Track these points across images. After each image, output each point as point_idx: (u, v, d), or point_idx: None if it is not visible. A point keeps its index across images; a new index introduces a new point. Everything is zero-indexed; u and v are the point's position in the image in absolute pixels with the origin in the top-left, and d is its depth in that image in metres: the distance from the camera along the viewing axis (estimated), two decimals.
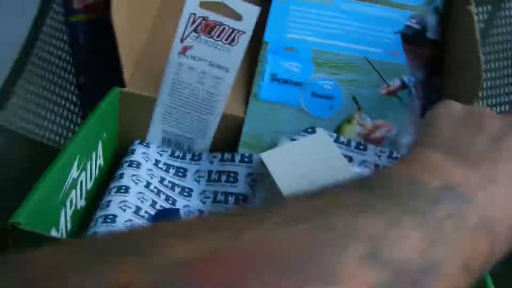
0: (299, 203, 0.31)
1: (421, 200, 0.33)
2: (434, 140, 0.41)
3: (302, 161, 0.66)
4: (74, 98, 0.80)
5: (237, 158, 0.69)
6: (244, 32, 0.68)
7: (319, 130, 0.71)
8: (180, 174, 0.71)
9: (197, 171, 0.71)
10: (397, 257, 0.29)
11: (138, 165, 0.68)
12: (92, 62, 0.80)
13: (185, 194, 0.69)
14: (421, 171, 0.36)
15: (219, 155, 0.71)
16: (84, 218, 0.65)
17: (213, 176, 0.69)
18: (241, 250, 0.26)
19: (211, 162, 0.71)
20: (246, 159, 0.69)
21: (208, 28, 0.68)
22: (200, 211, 0.68)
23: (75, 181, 0.62)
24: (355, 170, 0.68)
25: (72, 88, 0.80)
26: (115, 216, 0.62)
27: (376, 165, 0.70)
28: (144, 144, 0.72)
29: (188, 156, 0.72)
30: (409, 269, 0.29)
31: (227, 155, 0.70)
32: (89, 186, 0.66)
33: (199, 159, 0.72)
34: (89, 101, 0.79)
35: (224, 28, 0.68)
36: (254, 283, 0.24)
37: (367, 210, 0.31)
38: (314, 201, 0.31)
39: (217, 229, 0.28)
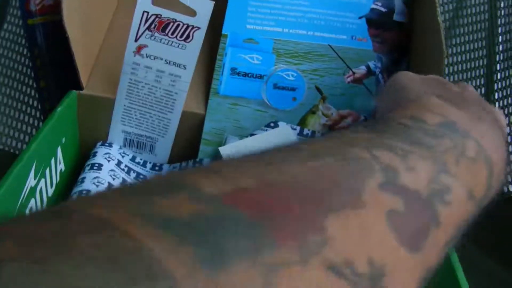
0: (321, 141, 0.35)
1: (426, 134, 0.36)
2: (417, 93, 0.44)
3: None
4: (35, 103, 0.78)
5: (190, 164, 0.69)
6: (198, 28, 0.66)
7: (281, 124, 0.69)
8: (140, 180, 0.69)
9: None
10: (410, 185, 0.32)
11: (99, 167, 0.67)
12: (52, 65, 0.78)
13: None
14: (421, 111, 0.39)
15: (178, 165, 0.70)
16: None
17: None
18: (284, 180, 0.29)
19: None
20: (197, 164, 0.68)
21: (162, 26, 0.66)
22: None
23: (33, 189, 0.61)
24: None
25: (33, 92, 0.78)
26: None
27: None
28: (107, 144, 0.70)
29: (149, 165, 0.71)
30: (420, 196, 0.32)
31: (184, 164, 0.70)
32: (50, 193, 0.65)
33: (160, 169, 0.71)
34: (50, 105, 0.77)
35: (178, 24, 0.66)
36: (296, 210, 0.27)
37: (381, 145, 0.34)
38: (332, 140, 0.35)
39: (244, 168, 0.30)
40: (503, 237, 0.88)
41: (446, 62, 0.62)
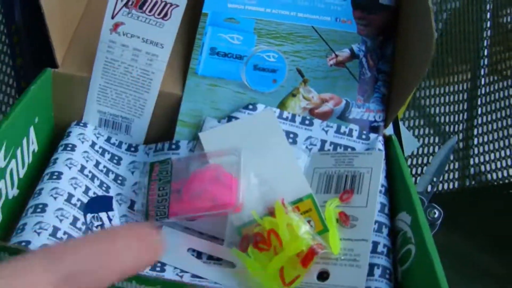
0: None
1: None
2: None
3: (241, 141, 0.63)
4: (11, 81, 0.76)
5: (166, 146, 0.67)
6: (177, 6, 0.64)
7: (260, 107, 0.67)
8: (114, 161, 0.68)
9: (133, 162, 0.68)
10: None
11: (73, 148, 0.65)
12: (30, 42, 0.76)
13: (119, 182, 0.66)
14: None
15: (153, 147, 0.68)
16: (18, 207, 0.62)
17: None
18: None
19: (147, 154, 0.68)
20: (173, 146, 0.66)
21: (139, 3, 0.65)
22: (132, 201, 0.65)
23: (2, 170, 0.59)
24: (298, 150, 0.65)
25: (9, 70, 0.76)
26: (45, 205, 0.59)
27: (323, 141, 0.66)
28: (81, 124, 0.69)
29: (124, 146, 0.69)
30: None
31: (159, 145, 0.68)
32: (21, 174, 0.63)
33: (135, 150, 0.69)
34: (26, 83, 0.75)
35: (156, 2, 0.64)
36: None
37: None
38: None
39: None
40: (483, 223, 0.87)
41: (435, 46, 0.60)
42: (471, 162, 1.01)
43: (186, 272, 0.59)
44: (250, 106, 0.67)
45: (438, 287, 0.47)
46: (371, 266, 0.56)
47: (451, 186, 1.00)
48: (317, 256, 0.56)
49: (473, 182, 1.01)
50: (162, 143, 0.68)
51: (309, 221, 0.59)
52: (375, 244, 0.57)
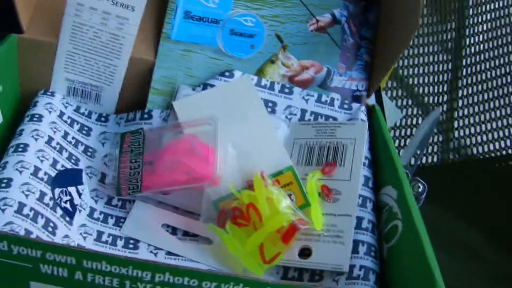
0: None
1: None
2: None
3: (217, 110, 0.60)
4: None
5: (138, 115, 0.65)
6: None
7: (237, 74, 0.65)
8: (84, 132, 0.65)
9: (103, 132, 0.65)
10: None
11: (39, 118, 0.62)
12: None
13: (89, 154, 0.63)
14: None
15: (125, 116, 0.66)
16: None
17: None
18: None
19: (118, 124, 0.66)
20: (146, 116, 0.64)
21: None
22: (103, 174, 0.62)
23: None
24: (277, 119, 0.63)
25: None
26: (10, 179, 0.56)
27: (303, 110, 0.63)
28: (49, 93, 0.65)
29: (94, 116, 0.67)
30: None
31: (131, 115, 0.65)
32: None
33: (106, 120, 0.66)
34: None
35: None
36: None
37: None
38: None
39: None
40: (465, 198, 0.86)
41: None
42: (455, 135, 1.00)
43: (161, 249, 0.58)
44: (227, 73, 0.65)
45: (427, 265, 0.46)
46: (356, 243, 0.54)
47: (433, 160, 0.99)
48: (298, 232, 0.55)
49: (456, 156, 0.99)
50: (134, 112, 0.65)
51: (289, 195, 0.57)
52: (359, 220, 0.56)
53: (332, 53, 0.67)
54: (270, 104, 0.64)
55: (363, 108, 0.64)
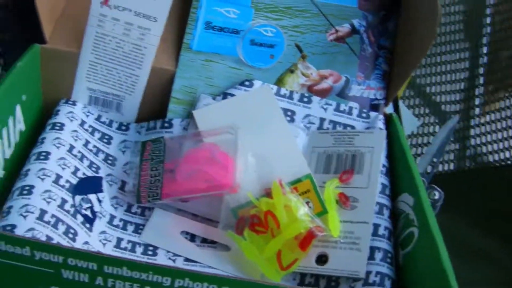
0: None
1: None
2: None
3: (237, 119, 0.61)
4: None
5: (159, 124, 0.65)
6: None
7: (257, 83, 0.65)
8: (105, 140, 0.65)
9: (124, 141, 0.66)
10: None
11: (61, 127, 0.63)
12: (17, 16, 0.74)
13: (109, 162, 0.64)
14: None
15: (145, 125, 0.66)
16: (4, 189, 0.60)
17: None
18: None
19: (139, 133, 0.66)
20: (166, 125, 0.65)
21: None
22: (123, 182, 0.63)
23: None
24: (296, 128, 0.63)
25: None
26: (32, 187, 0.57)
27: (322, 119, 0.64)
28: (70, 102, 0.66)
29: (115, 125, 0.67)
30: None
31: (152, 124, 0.66)
32: (7, 154, 0.61)
33: (127, 129, 0.67)
34: (13, 60, 0.73)
35: None
36: None
37: None
38: None
39: None
40: (482, 205, 0.85)
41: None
42: (472, 143, 1.00)
43: (179, 256, 0.58)
44: (247, 83, 0.65)
45: (443, 271, 0.46)
46: (372, 250, 0.54)
47: (450, 167, 0.99)
48: (316, 239, 0.55)
49: (473, 163, 0.99)
50: (155, 121, 0.66)
51: (307, 203, 0.58)
52: (376, 227, 0.56)
53: (351, 62, 0.67)
54: (289, 113, 0.64)
55: (381, 116, 0.65)
